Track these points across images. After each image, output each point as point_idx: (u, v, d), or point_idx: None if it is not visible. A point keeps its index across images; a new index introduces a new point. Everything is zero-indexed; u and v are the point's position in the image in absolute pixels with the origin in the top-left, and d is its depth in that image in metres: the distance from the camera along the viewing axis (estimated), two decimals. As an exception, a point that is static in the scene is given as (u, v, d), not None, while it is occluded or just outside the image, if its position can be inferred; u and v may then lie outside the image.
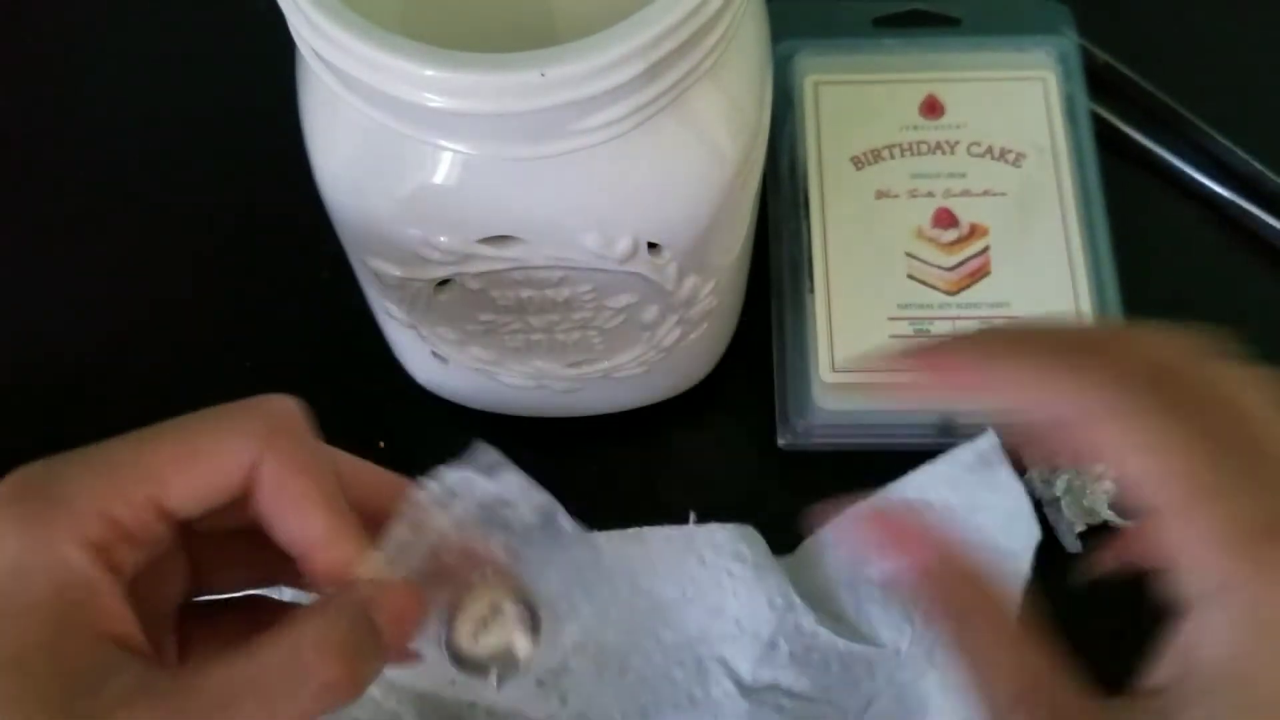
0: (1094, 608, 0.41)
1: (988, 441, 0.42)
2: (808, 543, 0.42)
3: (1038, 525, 0.41)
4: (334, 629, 0.25)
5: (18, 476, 0.26)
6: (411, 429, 0.46)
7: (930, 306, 0.45)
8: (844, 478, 0.43)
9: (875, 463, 0.44)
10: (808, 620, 0.39)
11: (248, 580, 0.30)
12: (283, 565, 0.28)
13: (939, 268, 0.45)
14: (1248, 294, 0.48)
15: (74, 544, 0.24)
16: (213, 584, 0.30)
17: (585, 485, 0.45)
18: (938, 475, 0.42)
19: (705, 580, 0.40)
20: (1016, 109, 0.49)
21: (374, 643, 0.26)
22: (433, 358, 0.42)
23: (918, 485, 0.42)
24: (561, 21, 0.43)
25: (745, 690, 0.39)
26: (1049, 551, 0.41)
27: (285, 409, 0.28)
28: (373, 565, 0.28)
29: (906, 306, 0.45)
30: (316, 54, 0.32)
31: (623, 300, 0.37)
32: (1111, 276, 0.45)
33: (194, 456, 0.26)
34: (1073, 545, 0.42)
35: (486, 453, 0.30)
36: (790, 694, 0.39)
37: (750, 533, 0.41)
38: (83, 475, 0.26)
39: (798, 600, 0.39)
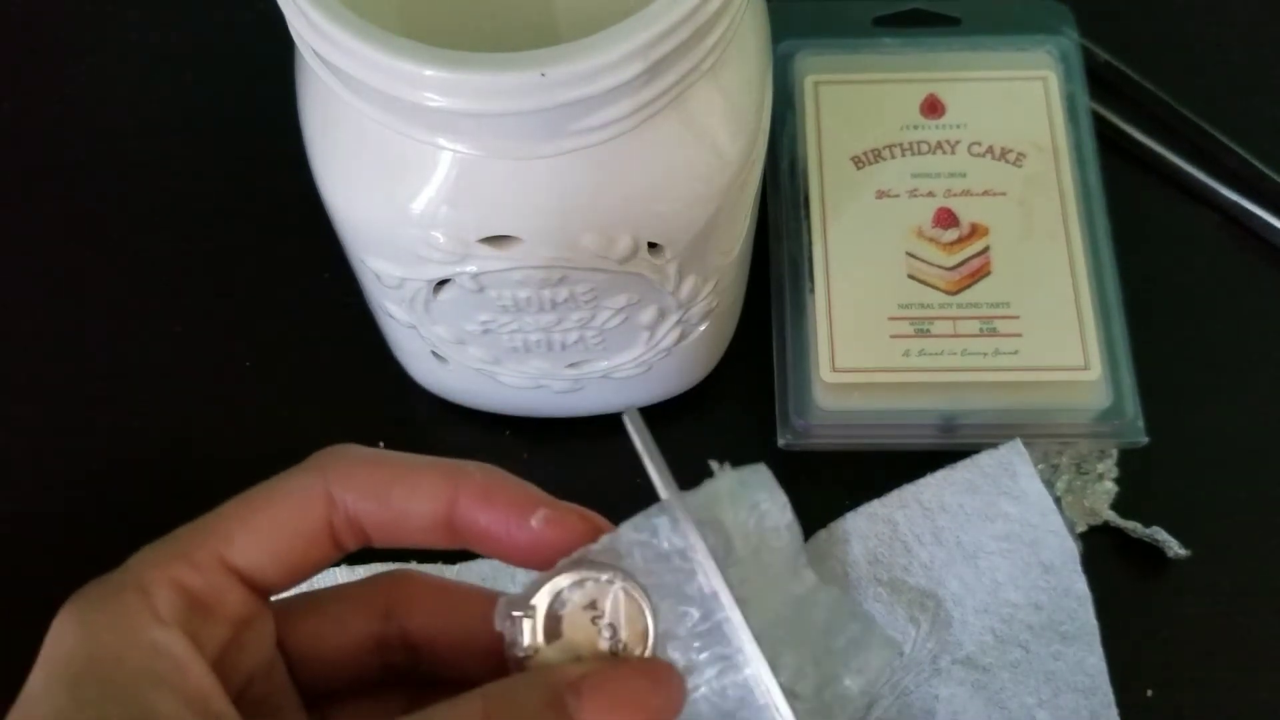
0: (1098, 608, 0.41)
1: (1012, 450, 0.42)
2: (815, 538, 0.42)
3: (1077, 540, 0.41)
4: (502, 707, 0.21)
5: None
6: (411, 429, 0.46)
7: (930, 306, 0.45)
8: (844, 478, 0.43)
9: (875, 463, 0.44)
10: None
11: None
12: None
13: (939, 267, 0.45)
14: (1248, 294, 0.47)
15: (151, 621, 0.23)
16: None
17: (585, 485, 0.45)
18: (955, 479, 0.42)
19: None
20: (1017, 108, 0.49)
21: None
22: (433, 358, 0.42)
23: (933, 487, 0.42)
24: (562, 21, 0.43)
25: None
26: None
27: (343, 446, 0.26)
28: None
29: (907, 306, 0.45)
30: (316, 54, 0.32)
31: (622, 300, 0.37)
32: (1112, 276, 0.45)
33: (254, 507, 0.24)
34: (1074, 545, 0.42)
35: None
36: (791, 694, 0.39)
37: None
38: (148, 554, 0.24)
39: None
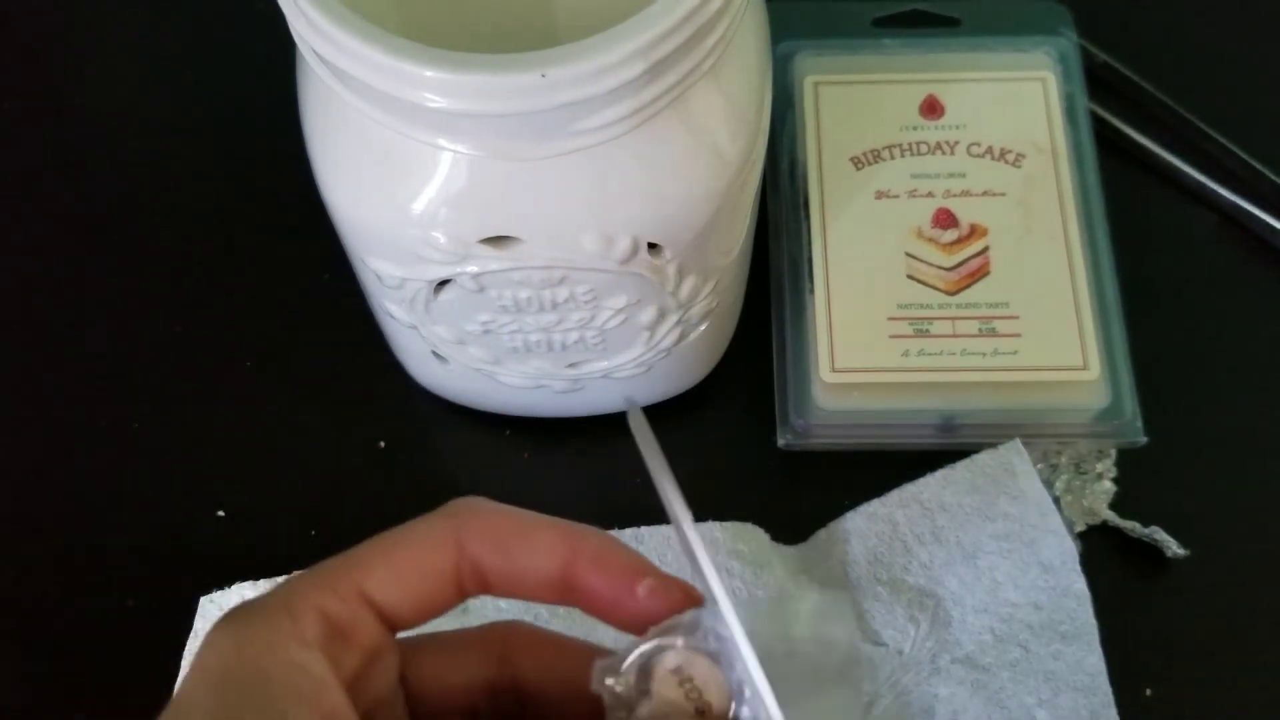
0: (1098, 608, 0.41)
1: (1012, 450, 0.42)
2: (815, 537, 0.42)
3: (1076, 540, 0.41)
4: None
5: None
6: (411, 429, 0.46)
7: (930, 306, 0.45)
8: (844, 478, 0.44)
9: (875, 463, 0.44)
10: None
11: None
12: None
13: (939, 268, 0.45)
14: (1247, 294, 0.48)
15: (296, 642, 0.24)
16: None
17: (585, 485, 0.45)
18: (955, 479, 0.42)
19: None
20: (1016, 109, 0.49)
21: None
22: (433, 358, 0.42)
23: (933, 487, 0.42)
24: (562, 22, 0.43)
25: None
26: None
27: (473, 499, 0.27)
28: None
29: (906, 306, 0.45)
30: (316, 54, 0.32)
31: (622, 301, 0.37)
32: (1111, 276, 0.45)
33: (392, 546, 0.26)
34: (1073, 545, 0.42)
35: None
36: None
37: (748, 530, 0.41)
38: (296, 580, 0.25)
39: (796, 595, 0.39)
